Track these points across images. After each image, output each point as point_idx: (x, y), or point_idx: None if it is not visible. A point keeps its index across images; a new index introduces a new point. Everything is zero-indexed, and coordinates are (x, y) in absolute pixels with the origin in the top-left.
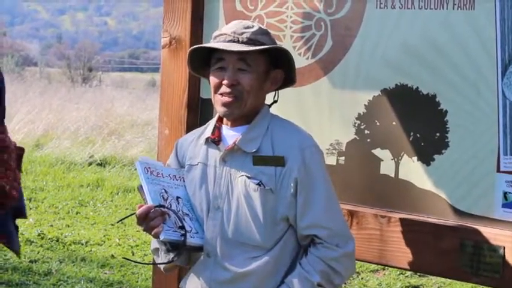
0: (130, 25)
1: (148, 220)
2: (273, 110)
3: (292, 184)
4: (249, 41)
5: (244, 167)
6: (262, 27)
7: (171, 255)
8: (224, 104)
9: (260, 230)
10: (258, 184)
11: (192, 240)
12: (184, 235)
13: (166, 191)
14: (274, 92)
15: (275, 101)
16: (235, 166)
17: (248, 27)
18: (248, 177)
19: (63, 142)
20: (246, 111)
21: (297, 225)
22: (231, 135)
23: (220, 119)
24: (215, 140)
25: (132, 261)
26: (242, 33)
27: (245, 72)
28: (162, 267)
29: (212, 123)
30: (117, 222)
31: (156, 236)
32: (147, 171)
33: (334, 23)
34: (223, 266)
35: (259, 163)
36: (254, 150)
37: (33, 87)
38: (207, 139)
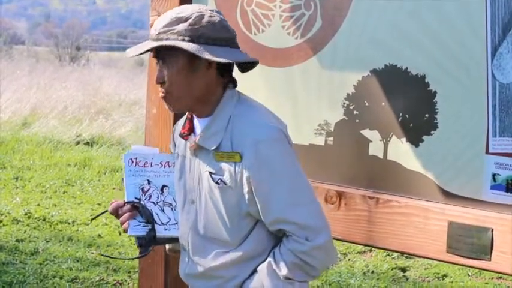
0: (118, 4)
1: (118, 217)
2: (262, 90)
3: (245, 182)
4: (158, 37)
5: (209, 163)
6: (183, 14)
7: (149, 249)
8: (163, 101)
9: (226, 226)
10: (217, 182)
11: (167, 233)
12: (152, 230)
13: (149, 182)
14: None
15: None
16: (202, 161)
17: (162, 21)
18: (211, 173)
19: (50, 121)
20: (189, 103)
21: (263, 221)
22: (200, 126)
23: None
24: (183, 134)
25: (109, 257)
26: (155, 30)
27: (164, 68)
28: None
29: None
30: (92, 219)
31: (126, 232)
32: (132, 162)
33: (323, 3)
34: (195, 260)
35: (219, 159)
36: (215, 147)
37: (20, 65)
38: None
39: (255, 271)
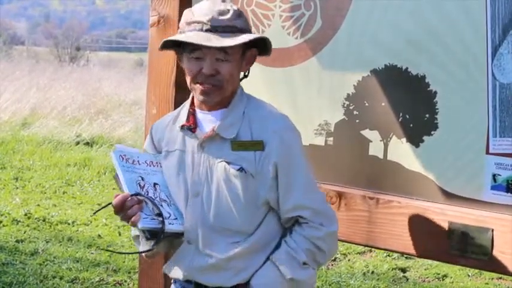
0: (118, 5)
1: (125, 209)
2: (262, 90)
3: (271, 168)
4: (227, 29)
5: (223, 153)
6: (235, 8)
7: (151, 242)
8: (203, 93)
9: (241, 215)
10: (239, 170)
11: (172, 227)
12: (162, 222)
13: (143, 178)
14: None
15: (245, 76)
16: (213, 152)
17: (223, 13)
18: (228, 163)
19: (50, 121)
20: (226, 95)
21: (280, 208)
22: (207, 120)
23: (193, 103)
24: (191, 127)
25: (111, 251)
26: (219, 22)
27: (224, 61)
28: (143, 254)
29: (186, 107)
30: (93, 214)
31: (134, 225)
32: (123, 159)
33: (323, 3)
34: (204, 252)
35: (238, 148)
36: (233, 136)
37: (20, 66)
38: (182, 126)
39: (265, 262)
